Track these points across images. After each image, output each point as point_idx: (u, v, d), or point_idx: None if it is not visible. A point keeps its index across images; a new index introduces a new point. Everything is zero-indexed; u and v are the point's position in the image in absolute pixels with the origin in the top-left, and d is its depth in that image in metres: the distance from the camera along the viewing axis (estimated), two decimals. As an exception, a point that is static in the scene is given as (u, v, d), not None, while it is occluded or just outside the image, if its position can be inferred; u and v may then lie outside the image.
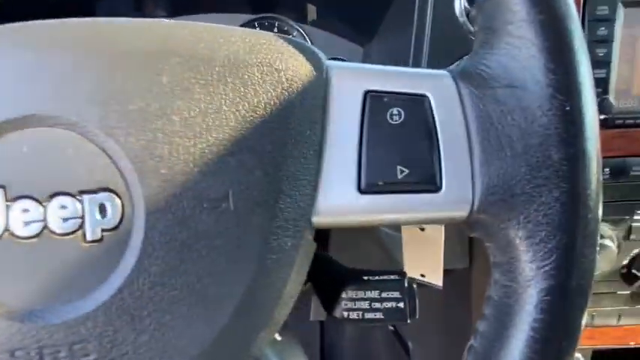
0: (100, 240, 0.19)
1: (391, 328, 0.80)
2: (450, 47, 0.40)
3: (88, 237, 0.19)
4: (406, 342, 0.74)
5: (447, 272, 0.45)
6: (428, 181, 0.20)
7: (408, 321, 0.26)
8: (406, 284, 0.26)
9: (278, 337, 0.26)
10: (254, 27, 0.59)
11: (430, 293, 0.53)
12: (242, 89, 0.20)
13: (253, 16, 0.59)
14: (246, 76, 0.20)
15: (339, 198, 0.21)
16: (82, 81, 0.19)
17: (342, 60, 0.58)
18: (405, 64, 0.43)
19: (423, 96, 0.20)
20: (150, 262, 0.19)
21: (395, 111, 0.20)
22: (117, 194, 0.19)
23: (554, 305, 0.18)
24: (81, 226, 0.19)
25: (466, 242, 0.49)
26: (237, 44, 0.21)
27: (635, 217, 0.45)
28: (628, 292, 0.48)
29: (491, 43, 0.19)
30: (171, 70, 0.19)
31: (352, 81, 0.21)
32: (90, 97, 0.19)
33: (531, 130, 0.18)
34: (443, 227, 0.44)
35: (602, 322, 0.49)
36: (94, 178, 0.19)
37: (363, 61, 0.57)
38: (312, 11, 0.60)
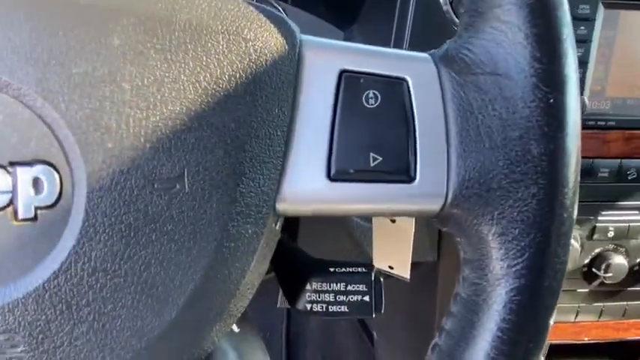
0: (34, 219, 0.17)
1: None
2: (433, 34, 0.39)
3: (20, 215, 0.17)
4: (371, 332, 0.74)
5: (414, 265, 0.45)
6: (401, 171, 0.19)
7: (373, 315, 0.25)
8: (373, 278, 0.25)
9: (236, 329, 0.24)
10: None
11: (397, 285, 0.53)
12: (204, 58, 0.18)
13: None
14: (210, 44, 0.18)
15: (307, 184, 0.19)
16: (18, 36, 0.17)
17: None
18: (385, 51, 0.41)
19: (402, 79, 0.19)
20: (91, 245, 0.17)
21: (371, 94, 0.19)
22: (55, 168, 0.17)
23: (523, 306, 0.17)
24: (11, 202, 0.17)
25: (435, 235, 0.49)
26: (201, 7, 0.19)
27: (600, 218, 0.46)
28: (587, 290, 0.49)
29: (476, 27, 0.18)
30: (124, 30, 0.17)
31: (327, 59, 0.20)
32: (26, 55, 0.17)
33: (512, 121, 0.17)
34: (414, 219, 0.43)
35: (560, 318, 0.50)
36: (28, 149, 0.17)
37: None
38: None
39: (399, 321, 0.63)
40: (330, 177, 0.19)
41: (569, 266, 0.46)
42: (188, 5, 0.18)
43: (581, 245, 0.46)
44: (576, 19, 0.40)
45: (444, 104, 0.19)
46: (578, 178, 0.18)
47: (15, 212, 0.17)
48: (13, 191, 0.17)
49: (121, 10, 0.17)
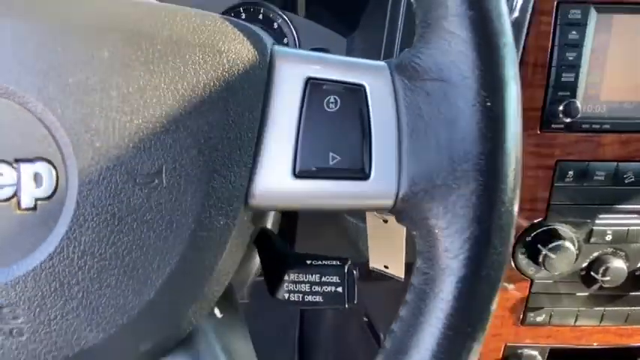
0: (34, 208, 0.20)
1: (365, 319, 0.81)
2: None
3: (23, 205, 0.19)
4: (378, 334, 0.75)
5: (411, 266, 0.46)
6: (357, 170, 0.21)
7: (346, 306, 0.26)
8: (346, 270, 0.26)
9: (218, 314, 0.26)
10: (239, 13, 0.59)
11: (399, 286, 0.54)
12: (182, 68, 0.20)
13: (239, 1, 0.59)
14: (187, 56, 0.21)
15: (275, 181, 0.21)
16: (23, 51, 0.19)
17: (326, 50, 0.58)
18: (379, 57, 0.43)
19: (360, 86, 0.21)
20: (81, 232, 0.19)
21: (332, 99, 0.21)
22: (52, 165, 0.20)
23: (464, 294, 0.19)
24: (15, 194, 0.19)
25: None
26: (181, 24, 0.21)
27: (597, 221, 0.46)
28: (586, 293, 0.48)
29: (426, 38, 0.20)
30: (113, 45, 0.20)
31: (295, 67, 0.22)
32: (30, 68, 0.19)
33: (456, 124, 0.19)
34: None
35: (559, 322, 0.50)
36: (31, 148, 0.20)
37: (347, 53, 0.57)
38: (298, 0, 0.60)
39: (387, 318, 0.64)
40: (296, 174, 0.21)
41: (566, 269, 0.46)
42: (169, 22, 0.21)
43: (579, 248, 0.46)
44: (568, 24, 0.41)
45: (397, 108, 0.20)
46: (519, 176, 0.19)
47: (18, 202, 0.19)
48: (18, 184, 0.19)
49: (110, 28, 0.20)
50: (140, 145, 0.20)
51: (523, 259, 0.47)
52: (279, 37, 0.61)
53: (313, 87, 0.21)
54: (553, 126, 0.43)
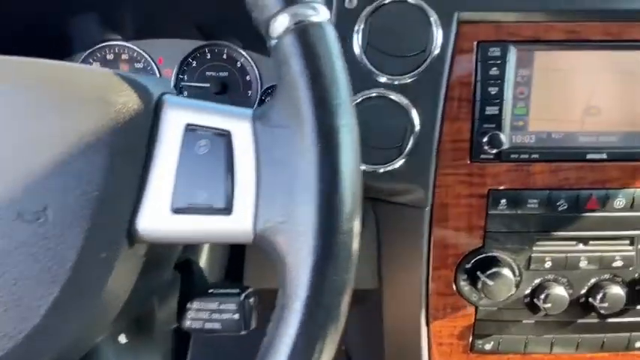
0: None
1: (343, 347, 0.82)
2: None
3: None
4: (350, 356, 0.75)
5: (359, 292, 0.48)
6: (222, 206, 0.23)
7: (242, 332, 0.28)
8: (242, 298, 0.28)
9: (123, 340, 0.29)
10: (205, 53, 0.63)
11: (357, 312, 0.55)
12: (72, 119, 0.23)
13: (204, 43, 0.63)
14: (80, 108, 0.24)
15: (156, 217, 0.24)
16: None
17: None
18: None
19: (227, 131, 0.24)
20: None
21: (203, 142, 0.24)
22: None
23: (306, 317, 0.20)
24: None
25: (375, 263, 0.51)
26: (77, 79, 0.24)
27: (535, 248, 0.47)
28: (532, 321, 0.49)
29: (279, 90, 0.23)
30: (6, 96, 0.23)
31: (178, 114, 0.25)
32: None
33: (297, 167, 0.21)
34: None
35: (508, 349, 0.50)
36: None
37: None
38: (257, 39, 0.64)
39: (362, 345, 0.64)
40: (173, 211, 0.24)
41: (505, 296, 0.46)
42: (67, 77, 0.24)
43: (520, 275, 0.47)
44: (488, 61, 0.43)
45: (256, 152, 0.23)
46: (356, 211, 0.21)
47: None
48: None
49: (3, 80, 0.23)
50: (27, 186, 0.23)
51: (465, 286, 0.48)
52: (242, 74, 0.65)
53: (190, 132, 0.24)
54: (482, 156, 0.45)
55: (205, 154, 0.24)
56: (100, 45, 0.62)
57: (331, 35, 0.22)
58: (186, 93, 0.64)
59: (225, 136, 0.24)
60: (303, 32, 0.21)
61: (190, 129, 0.24)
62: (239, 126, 0.24)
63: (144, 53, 0.63)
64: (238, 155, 0.23)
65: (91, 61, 0.63)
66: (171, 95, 0.26)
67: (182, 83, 0.64)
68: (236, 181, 0.23)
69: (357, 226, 0.21)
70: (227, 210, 0.23)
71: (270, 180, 0.22)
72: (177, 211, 0.24)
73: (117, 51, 0.63)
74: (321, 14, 0.22)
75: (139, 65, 0.64)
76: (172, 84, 0.63)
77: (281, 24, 0.21)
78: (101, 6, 0.59)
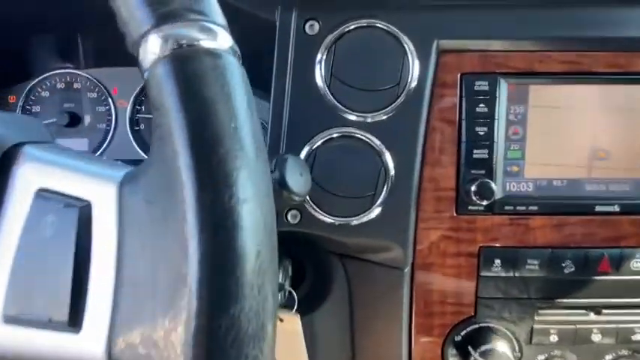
0: None
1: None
2: (311, 114, 0.36)
3: None
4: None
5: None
6: (64, 319, 0.15)
7: None
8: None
9: None
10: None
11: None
12: None
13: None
14: None
15: None
16: None
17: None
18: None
19: (87, 202, 0.16)
20: None
21: (50, 219, 0.16)
22: None
23: None
24: None
25: (348, 336, 0.43)
26: None
27: (537, 318, 0.39)
28: (538, 405, 0.40)
29: (152, 145, 0.16)
30: None
31: (31, 174, 0.18)
32: None
33: (170, 266, 0.14)
34: (298, 318, 0.38)
35: None
36: None
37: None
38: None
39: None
40: (4, 319, 0.16)
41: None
42: None
43: (520, 350, 0.39)
44: (474, 96, 0.37)
45: (119, 238, 0.15)
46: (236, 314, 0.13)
47: None
48: None
49: None
50: None
51: (455, 363, 0.40)
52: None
53: (40, 201, 0.17)
54: (471, 208, 0.38)
55: (50, 237, 0.16)
56: (50, 72, 0.57)
57: (231, 70, 0.15)
58: (142, 125, 0.58)
59: (80, 209, 0.16)
60: (184, 62, 0.14)
61: (41, 196, 0.17)
62: (102, 193, 0.16)
63: (98, 82, 0.57)
64: (97, 240, 0.16)
65: (39, 90, 0.57)
66: (33, 146, 0.19)
67: (138, 115, 0.57)
68: (88, 283, 0.15)
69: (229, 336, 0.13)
70: (71, 325, 0.15)
71: (133, 282, 0.15)
72: (8, 320, 0.16)
73: (68, 79, 0.57)
74: (219, 39, 0.15)
75: (92, 95, 0.58)
76: (128, 116, 0.57)
77: (152, 48, 0.15)
78: (56, 31, 0.54)
